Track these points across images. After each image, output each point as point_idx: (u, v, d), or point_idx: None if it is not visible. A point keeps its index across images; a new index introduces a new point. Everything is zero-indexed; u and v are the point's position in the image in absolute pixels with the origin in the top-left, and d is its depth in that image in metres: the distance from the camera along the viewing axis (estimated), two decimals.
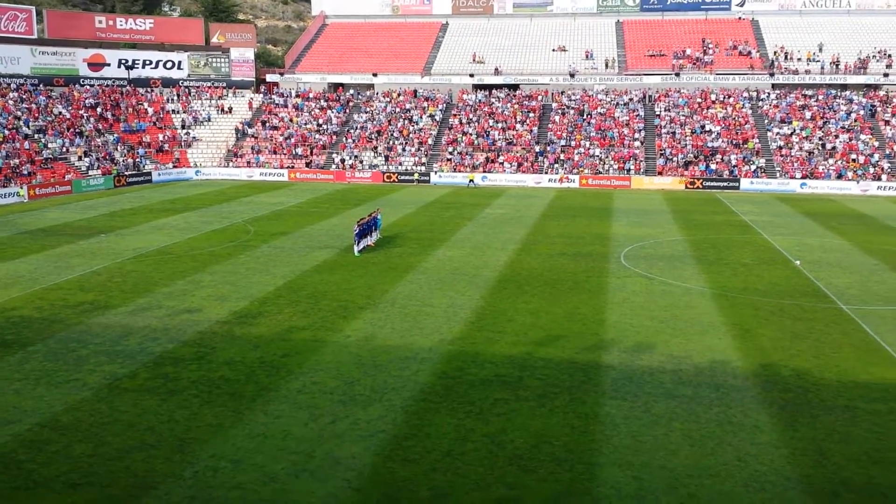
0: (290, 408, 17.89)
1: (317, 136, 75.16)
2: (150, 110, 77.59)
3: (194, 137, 75.86)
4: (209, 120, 78.62)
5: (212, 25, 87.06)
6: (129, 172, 66.17)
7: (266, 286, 29.44)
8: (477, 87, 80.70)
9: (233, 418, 17.33)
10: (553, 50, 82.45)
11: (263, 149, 73.54)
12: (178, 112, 79.00)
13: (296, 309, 26.29)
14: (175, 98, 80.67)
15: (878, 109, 71.23)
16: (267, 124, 77.21)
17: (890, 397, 18.78)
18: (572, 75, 78.25)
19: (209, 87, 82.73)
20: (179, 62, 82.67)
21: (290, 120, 77.77)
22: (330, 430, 16.70)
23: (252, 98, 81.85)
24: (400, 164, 70.84)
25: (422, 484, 14.50)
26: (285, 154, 72.76)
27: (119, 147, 70.02)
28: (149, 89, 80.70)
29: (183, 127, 76.99)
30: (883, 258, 35.70)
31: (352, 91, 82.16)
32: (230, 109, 79.92)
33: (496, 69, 79.93)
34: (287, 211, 50.12)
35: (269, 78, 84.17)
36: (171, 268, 32.61)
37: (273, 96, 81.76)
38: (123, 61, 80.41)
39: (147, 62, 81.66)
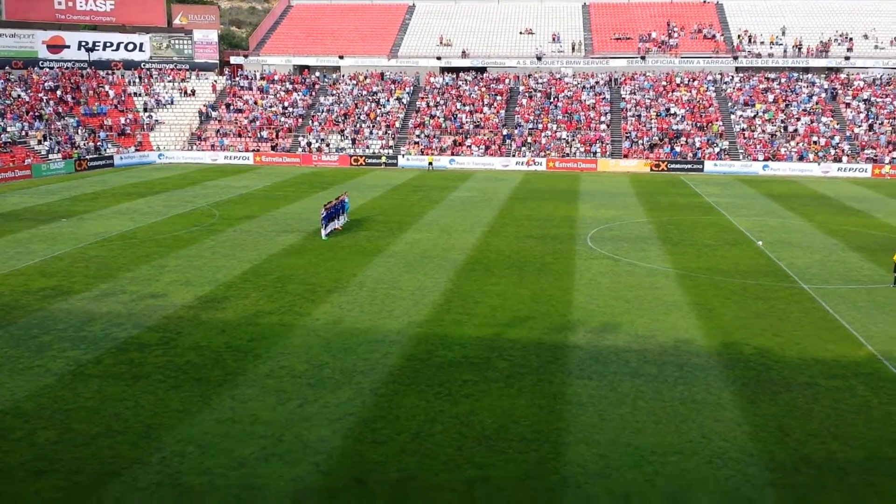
0: (257, 392, 17.82)
1: (282, 119, 74.40)
2: (112, 93, 76.14)
3: (157, 121, 74.65)
4: (172, 103, 77.39)
5: (174, 7, 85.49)
6: (91, 156, 64.94)
7: (232, 270, 29.19)
8: (444, 70, 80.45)
9: (200, 403, 17.22)
10: (520, 33, 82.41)
11: (228, 132, 72.63)
12: (140, 95, 77.63)
13: (262, 293, 26.12)
14: (137, 81, 79.23)
15: (839, 92, 72.41)
16: (231, 107, 76.24)
17: (849, 374, 19.24)
18: (539, 58, 78.34)
19: (172, 70, 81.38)
20: (141, 44, 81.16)
21: (255, 103, 76.86)
22: (298, 414, 16.67)
23: (216, 80, 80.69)
24: (367, 147, 70.46)
25: (391, 466, 14.57)
26: (250, 137, 71.96)
27: (80, 130, 68.66)
28: (110, 72, 79.15)
29: (145, 110, 75.69)
30: (843, 238, 36.43)
31: (318, 73, 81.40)
32: (193, 92, 78.73)
33: (463, 52, 79.70)
34: (253, 195, 49.64)
35: (234, 60, 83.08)
36: (134, 252, 32.17)
37: (237, 79, 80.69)
38: (84, 43, 78.70)
39: (108, 44, 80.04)
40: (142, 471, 14.31)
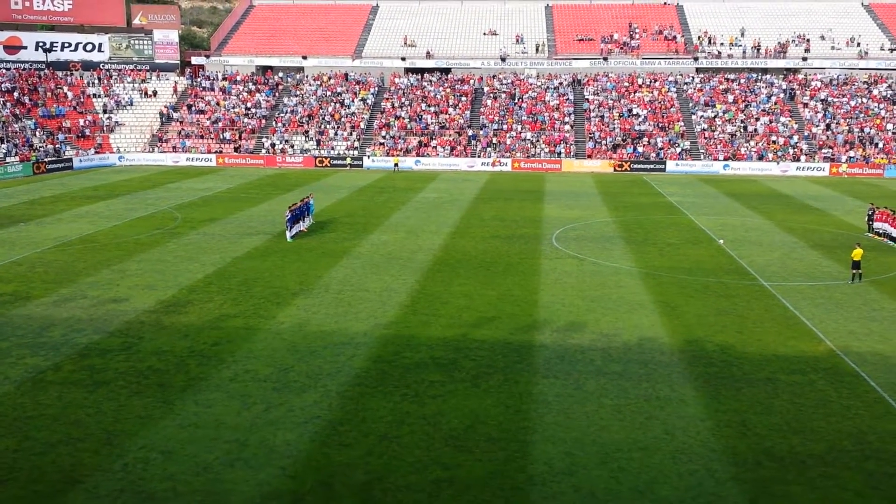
0: (222, 397, 17.63)
1: (245, 120, 73.72)
2: (70, 94, 74.77)
3: (117, 122, 73.49)
4: (132, 104, 76.24)
5: (134, 6, 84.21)
6: (49, 159, 63.71)
7: (195, 274, 28.84)
8: (409, 71, 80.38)
9: (163, 409, 16.98)
10: (484, 34, 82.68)
11: (190, 133, 71.77)
12: (99, 96, 76.34)
13: (226, 296, 25.85)
14: (96, 82, 77.93)
15: (797, 92, 73.82)
16: (193, 108, 75.33)
17: (808, 369, 19.62)
18: (503, 59, 78.68)
19: (132, 70, 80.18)
20: (100, 44, 79.83)
21: (218, 104, 76.05)
22: (264, 418, 16.53)
23: (177, 81, 79.65)
24: (332, 148, 70.13)
25: (358, 468, 14.51)
26: (213, 139, 71.19)
27: (38, 133, 67.29)
28: (68, 73, 77.75)
29: (105, 111, 74.46)
30: (801, 236, 37.14)
31: (281, 74, 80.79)
32: (154, 93, 77.64)
33: (428, 53, 79.73)
34: (216, 197, 49.11)
35: (195, 60, 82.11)
36: (95, 257, 31.62)
37: (199, 79, 79.76)
38: (41, 44, 77.20)
39: (66, 44, 78.63)
40: (104, 478, 14.08)
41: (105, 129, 72.26)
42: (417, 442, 15.52)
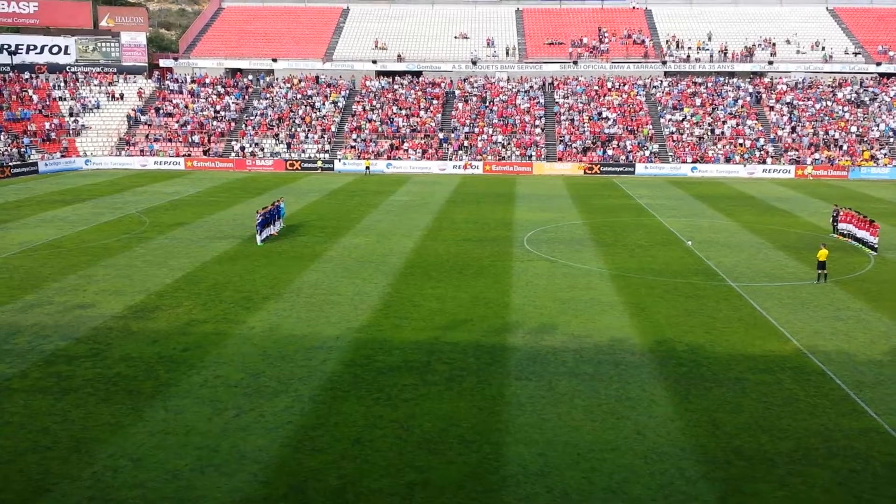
0: (192, 403, 17.44)
1: (214, 123, 73.09)
2: (35, 97, 73.56)
3: (83, 125, 72.45)
4: (99, 107, 75.22)
5: (100, 8, 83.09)
6: (14, 163, 62.59)
7: (164, 279, 28.52)
8: (380, 74, 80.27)
9: (132, 416, 16.77)
10: (455, 37, 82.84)
11: (158, 137, 70.98)
12: (65, 99, 75.21)
13: (196, 301, 25.60)
14: (62, 84, 76.77)
15: (763, 96, 74.95)
16: (161, 111, 74.53)
17: (776, 368, 19.91)
18: (474, 63, 78.90)
19: (98, 73, 79.12)
20: (66, 47, 78.67)
21: (186, 106, 75.32)
22: (235, 424, 16.39)
23: (144, 84, 78.76)
24: (303, 151, 69.79)
25: (330, 473, 14.45)
26: (181, 142, 70.47)
27: (2, 136, 66.10)
28: (34, 75, 76.47)
29: (71, 114, 73.38)
30: (768, 237, 37.69)
31: (250, 77, 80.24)
32: (121, 96, 76.68)
33: (399, 56, 79.69)
34: (184, 201, 48.61)
35: (163, 63, 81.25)
36: (61, 262, 31.13)
37: (167, 82, 78.94)
38: (6, 46, 75.90)
39: (31, 47, 77.38)
40: (72, 486, 13.86)
41: (71, 132, 71.20)
42: (390, 445, 15.49)
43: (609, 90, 76.29)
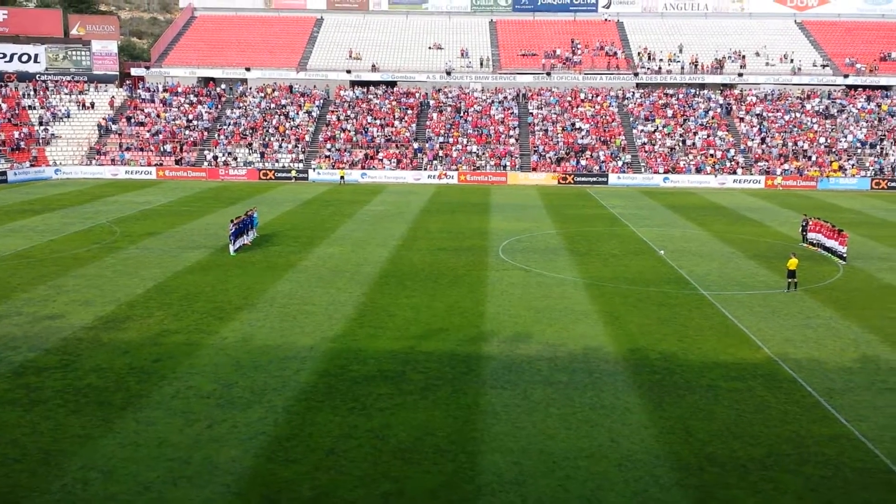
0: (163, 414, 17.22)
1: (187, 132, 72.53)
2: (4, 106, 72.50)
3: (53, 134, 71.51)
4: (69, 116, 74.32)
5: (71, 17, 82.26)
6: None
7: (135, 289, 28.17)
8: (354, 84, 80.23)
9: (102, 427, 16.51)
10: (429, 48, 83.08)
11: (129, 146, 70.26)
12: (35, 108, 74.21)
13: (167, 312, 25.31)
14: (31, 93, 75.76)
15: (734, 107, 76.00)
16: (132, 120, 73.82)
17: (748, 375, 20.12)
18: (448, 73, 79.16)
19: (69, 82, 78.23)
20: (36, 55, 77.71)
21: (158, 115, 74.68)
22: (207, 435, 16.21)
23: (116, 93, 77.99)
24: (276, 161, 69.45)
25: (304, 484, 14.33)
26: (153, 151, 69.82)
27: None
28: (3, 84, 75.39)
29: (41, 123, 72.40)
30: (739, 246, 38.15)
31: (223, 86, 79.78)
32: (92, 105, 75.85)
33: (373, 65, 79.73)
34: (156, 210, 48.13)
35: (134, 72, 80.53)
36: (30, 272, 30.63)
37: (139, 91, 78.23)
38: None
39: (1, 55, 76.26)
40: (42, 499, 13.61)
41: (41, 141, 70.25)
42: (365, 455, 15.40)
43: (582, 101, 76.93)
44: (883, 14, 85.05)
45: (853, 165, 67.91)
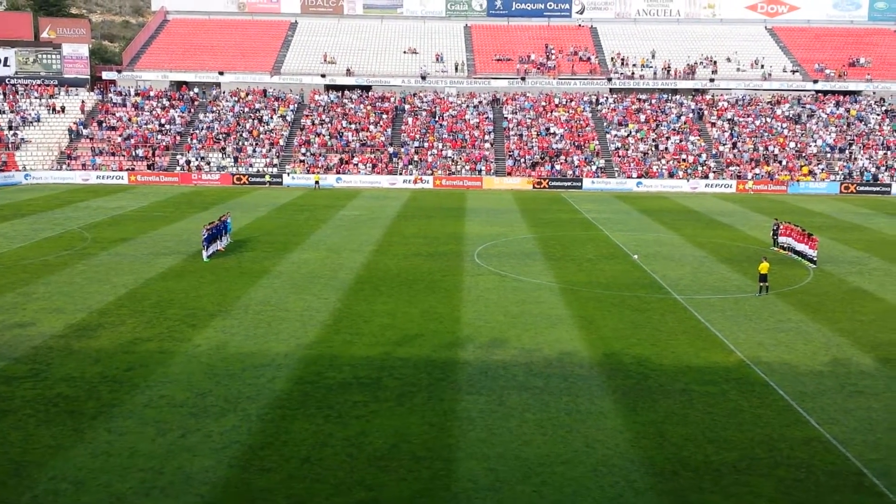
0: (135, 424, 17.01)
1: (159, 136, 71.83)
2: None
3: (23, 139, 70.43)
4: (39, 120, 73.28)
5: (42, 20, 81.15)
6: None
7: (106, 296, 27.82)
8: (329, 88, 79.98)
9: (73, 437, 16.28)
10: (404, 52, 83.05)
11: (101, 150, 69.42)
12: (4, 112, 73.05)
13: (140, 319, 25.02)
14: (1, 97, 74.56)
15: (705, 112, 76.83)
16: (104, 124, 72.97)
17: (721, 379, 20.32)
18: (423, 77, 79.19)
19: (39, 86, 77.13)
20: (6, 59, 76.52)
21: (130, 120, 73.88)
22: (180, 445, 16.03)
23: (87, 97, 77.05)
24: (250, 165, 69.00)
25: (279, 493, 14.22)
26: (125, 156, 69.04)
27: None
28: None
29: (10, 128, 71.29)
30: (711, 250, 38.54)
31: (196, 90, 79.13)
32: (63, 109, 74.85)
33: (348, 70, 79.55)
34: (128, 216, 47.59)
35: (106, 76, 79.57)
36: None
37: (110, 95, 77.36)
38: None
39: None
40: None
41: (10, 146, 69.14)
42: (340, 464, 15.33)
43: (556, 106, 77.34)
44: (851, 20, 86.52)
45: (823, 170, 68.93)
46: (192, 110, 76.23)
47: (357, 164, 68.99)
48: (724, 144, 72.33)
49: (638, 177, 68.11)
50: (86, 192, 59.88)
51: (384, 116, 75.51)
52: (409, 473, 14.99)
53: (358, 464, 15.32)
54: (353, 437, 16.50)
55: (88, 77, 79.08)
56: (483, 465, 15.34)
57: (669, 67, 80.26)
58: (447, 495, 14.24)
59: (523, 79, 79.35)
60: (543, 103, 77.56)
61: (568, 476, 15.01)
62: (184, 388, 19.16)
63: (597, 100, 78.78)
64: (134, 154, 69.18)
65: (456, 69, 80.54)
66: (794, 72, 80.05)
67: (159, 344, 22.52)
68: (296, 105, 77.15)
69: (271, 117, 74.89)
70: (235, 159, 69.10)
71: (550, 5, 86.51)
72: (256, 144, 71.18)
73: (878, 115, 76.59)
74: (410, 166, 69.00)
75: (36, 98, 75.67)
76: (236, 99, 77.35)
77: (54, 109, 74.64)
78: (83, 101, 75.90)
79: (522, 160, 69.80)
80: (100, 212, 48.94)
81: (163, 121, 74.00)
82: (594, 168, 69.06)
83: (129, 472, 14.88)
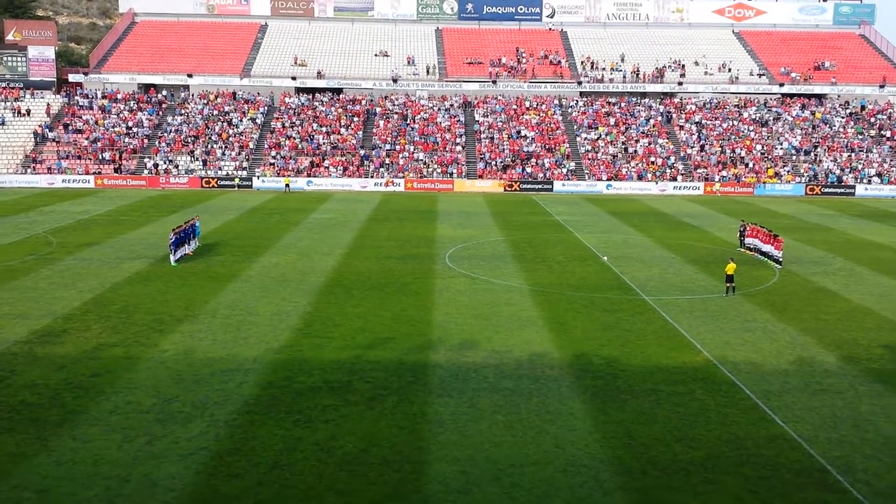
0: (101, 431, 16.75)
1: (126, 139, 70.95)
2: None
3: None
4: (3, 123, 72.00)
5: (7, 22, 79.79)
6: None
7: (71, 301, 27.39)
8: (300, 91, 79.59)
9: (37, 445, 15.98)
10: (375, 55, 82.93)
11: (67, 154, 68.39)
12: None
13: (105, 324, 24.67)
14: None
15: (674, 115, 77.65)
16: (70, 127, 71.92)
17: (688, 379, 20.51)
18: (395, 80, 79.13)
19: (4, 89, 75.86)
20: None
21: (96, 122, 72.90)
22: (146, 452, 15.81)
23: (53, 99, 75.89)
24: (219, 168, 68.41)
25: (247, 499, 14.08)
26: (91, 159, 68.10)
27: None
28: None
29: None
30: (679, 252, 38.93)
31: (165, 92, 78.31)
32: (28, 112, 73.64)
33: (319, 72, 79.23)
34: (94, 220, 46.92)
35: (73, 78, 78.44)
36: None
37: (77, 97, 76.26)
38: None
39: None
40: None
41: None
42: (310, 469, 15.22)
43: (527, 109, 77.69)
44: (817, 24, 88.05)
45: (788, 172, 70.00)
46: (161, 113, 75.43)
47: (328, 168, 68.71)
48: (691, 147, 73.16)
49: (608, 179, 68.62)
50: (51, 195, 58.95)
51: (355, 119, 75.31)
52: (379, 477, 14.93)
53: (328, 468, 15.23)
54: (322, 441, 16.40)
55: (55, 80, 77.94)
56: (454, 468, 15.33)
57: (638, 71, 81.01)
58: (418, 498, 14.21)
59: (494, 82, 79.61)
60: (514, 106, 77.87)
61: (538, 477, 15.05)
62: (150, 393, 18.92)
63: (567, 103, 79.26)
64: (101, 157, 68.27)
65: (427, 72, 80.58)
66: (760, 75, 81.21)
67: (125, 349, 22.22)
68: (266, 108, 76.67)
69: (241, 120, 74.35)
70: (204, 162, 68.49)
71: (521, 9, 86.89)
72: (226, 147, 70.60)
73: (843, 117, 78.00)
74: (382, 169, 68.87)
75: (1, 101, 74.37)
76: (205, 101, 76.68)
77: (19, 112, 73.42)
78: (49, 104, 74.76)
79: (493, 163, 70.00)
80: (66, 216, 48.20)
81: (130, 123, 73.13)
82: (565, 171, 69.47)
83: (94, 479, 14.64)
